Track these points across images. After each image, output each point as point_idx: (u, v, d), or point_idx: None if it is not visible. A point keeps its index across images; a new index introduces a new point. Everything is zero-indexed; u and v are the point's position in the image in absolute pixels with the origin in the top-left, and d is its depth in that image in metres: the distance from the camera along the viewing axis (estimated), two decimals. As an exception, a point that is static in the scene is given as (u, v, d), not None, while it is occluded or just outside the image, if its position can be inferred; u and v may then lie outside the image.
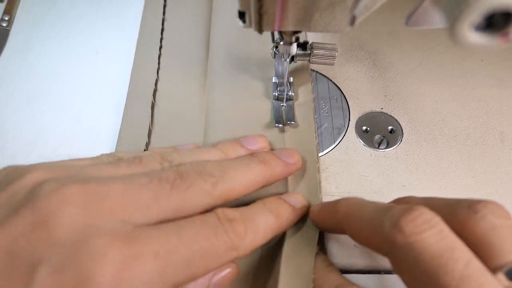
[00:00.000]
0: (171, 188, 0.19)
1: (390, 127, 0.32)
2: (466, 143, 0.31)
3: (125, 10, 0.40)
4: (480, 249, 0.17)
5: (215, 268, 0.19)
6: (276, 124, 0.30)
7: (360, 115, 0.33)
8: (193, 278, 0.18)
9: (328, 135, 0.32)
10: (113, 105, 0.33)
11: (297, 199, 0.25)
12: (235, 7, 0.21)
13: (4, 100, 0.34)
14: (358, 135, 0.32)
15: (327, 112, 0.33)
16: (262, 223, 0.22)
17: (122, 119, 0.31)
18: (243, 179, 0.22)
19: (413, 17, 0.20)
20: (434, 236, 0.16)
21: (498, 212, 0.17)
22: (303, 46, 0.29)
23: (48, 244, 0.16)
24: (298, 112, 0.32)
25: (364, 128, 0.32)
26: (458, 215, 0.18)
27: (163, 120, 0.32)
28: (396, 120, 0.32)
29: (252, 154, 0.25)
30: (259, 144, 0.27)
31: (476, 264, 0.16)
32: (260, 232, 0.21)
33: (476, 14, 0.14)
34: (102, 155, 0.23)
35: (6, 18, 0.38)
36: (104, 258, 0.16)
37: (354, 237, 0.21)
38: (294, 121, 0.31)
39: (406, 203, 0.21)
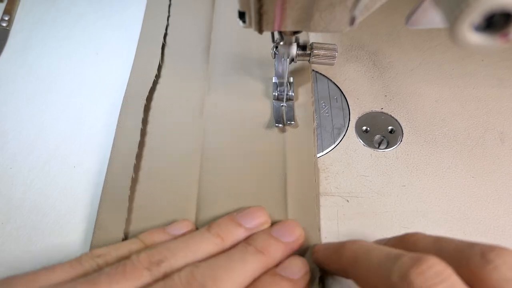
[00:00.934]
0: None
1: (390, 127, 0.32)
2: (466, 143, 0.31)
3: (125, 10, 0.40)
4: None
5: None
6: (276, 124, 0.30)
7: (360, 115, 0.33)
8: None
9: (328, 135, 0.32)
10: (113, 105, 0.33)
11: (296, 269, 0.23)
12: (236, 7, 0.21)
13: (4, 100, 0.34)
14: (358, 135, 0.32)
15: (327, 112, 0.33)
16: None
17: (118, 120, 0.31)
18: (239, 278, 0.21)
19: (413, 17, 0.20)
20: None
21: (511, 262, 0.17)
22: (303, 47, 0.29)
23: None
24: (298, 112, 0.32)
25: (364, 128, 0.32)
26: (470, 263, 0.17)
27: (161, 120, 0.32)
28: (396, 120, 0.32)
29: (249, 241, 0.23)
30: (258, 220, 0.25)
31: None
32: None
33: (476, 14, 0.14)
34: (82, 257, 0.21)
35: (6, 18, 0.38)
36: None
37: (359, 284, 0.19)
38: (294, 121, 0.31)
39: (414, 242, 0.20)
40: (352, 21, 0.20)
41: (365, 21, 0.22)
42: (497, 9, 0.14)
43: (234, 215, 0.25)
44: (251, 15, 0.21)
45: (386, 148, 0.31)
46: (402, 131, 0.32)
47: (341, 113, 0.33)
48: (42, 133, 0.32)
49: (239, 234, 0.24)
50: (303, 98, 0.33)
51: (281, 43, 0.27)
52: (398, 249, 0.19)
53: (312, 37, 0.37)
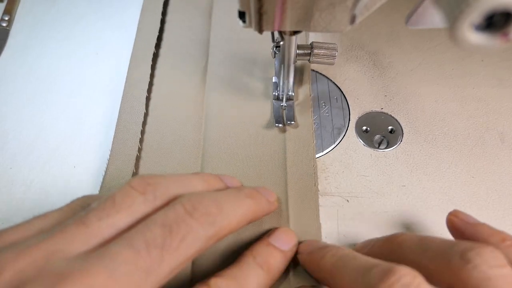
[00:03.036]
0: (162, 252, 0.17)
1: (390, 127, 0.32)
2: (466, 143, 0.31)
3: (125, 10, 0.40)
4: None
5: None
6: (276, 124, 0.30)
7: (360, 115, 0.33)
8: None
9: (328, 135, 0.32)
10: (113, 105, 0.33)
11: (286, 240, 0.24)
12: (235, 7, 0.21)
13: (4, 100, 0.34)
14: (358, 135, 0.32)
15: (327, 112, 0.33)
16: (255, 283, 0.21)
17: (117, 121, 0.31)
18: (237, 214, 0.21)
19: (413, 17, 0.20)
20: None
21: (492, 260, 0.17)
22: (303, 47, 0.29)
23: None
24: (298, 112, 0.32)
25: (364, 128, 0.32)
26: (450, 264, 0.17)
27: (160, 121, 0.32)
28: (396, 120, 0.32)
29: (237, 187, 0.24)
30: (236, 184, 0.25)
31: None
32: None
33: (476, 14, 0.14)
34: (73, 203, 0.21)
35: (6, 18, 0.38)
36: None
37: None
38: (294, 121, 0.31)
39: (400, 244, 0.21)
40: (352, 20, 0.20)
41: (365, 21, 0.22)
42: (497, 9, 0.14)
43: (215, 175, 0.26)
44: (251, 15, 0.21)
45: (386, 148, 0.31)
46: (402, 131, 0.32)
47: (341, 113, 0.33)
48: (42, 133, 0.32)
49: (222, 185, 0.24)
50: (303, 98, 0.33)
51: (281, 42, 0.27)
52: (373, 260, 0.19)
53: (312, 37, 0.37)
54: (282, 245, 0.24)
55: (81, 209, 0.20)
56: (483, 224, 0.22)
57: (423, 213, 0.28)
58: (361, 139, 0.31)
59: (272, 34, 0.28)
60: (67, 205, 0.20)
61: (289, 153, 0.30)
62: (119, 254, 0.16)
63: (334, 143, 0.31)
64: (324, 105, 0.33)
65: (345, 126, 0.32)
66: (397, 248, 0.21)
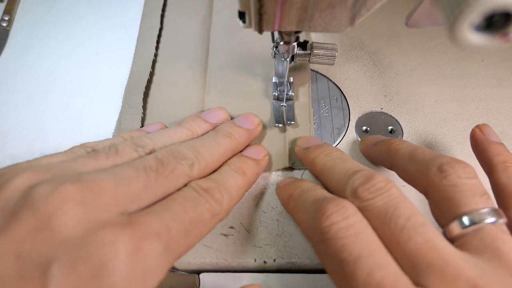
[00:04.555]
0: (156, 176, 0.21)
1: (390, 127, 0.32)
2: (466, 143, 0.31)
3: (125, 10, 0.40)
4: (441, 203, 0.20)
5: (205, 234, 0.22)
6: (276, 124, 0.30)
7: (360, 115, 0.33)
8: (191, 247, 0.21)
9: (328, 135, 0.32)
10: (113, 105, 0.33)
11: (257, 151, 0.28)
12: (236, 7, 0.21)
13: (4, 99, 0.34)
14: (358, 135, 0.32)
15: (327, 112, 0.33)
16: (233, 184, 0.24)
17: (118, 120, 0.31)
18: (214, 155, 0.24)
19: (413, 17, 0.20)
20: (382, 200, 0.20)
21: (462, 173, 0.20)
22: (303, 45, 0.29)
23: (56, 243, 0.17)
24: (298, 112, 0.32)
25: (364, 128, 0.32)
26: (429, 173, 0.21)
27: (160, 120, 0.32)
28: (396, 120, 0.32)
29: (216, 129, 0.27)
30: (220, 117, 0.29)
31: (417, 218, 0.19)
32: (233, 192, 0.23)
33: (476, 14, 0.14)
34: (73, 148, 0.24)
35: (6, 18, 0.38)
36: (114, 245, 0.17)
37: (326, 189, 0.23)
38: (294, 121, 0.31)
39: (396, 150, 0.24)
40: (352, 21, 0.20)
41: (365, 21, 0.22)
42: (497, 9, 0.14)
43: (199, 114, 0.29)
44: (251, 15, 0.21)
45: (386, 148, 0.31)
46: (402, 131, 0.32)
47: (341, 113, 0.33)
48: (42, 133, 0.32)
49: (206, 127, 0.28)
50: (303, 98, 0.33)
51: (281, 42, 0.27)
52: (358, 165, 0.23)
53: (312, 37, 0.37)
54: (254, 155, 0.27)
55: (86, 153, 0.23)
56: (498, 144, 0.24)
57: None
58: (361, 139, 0.31)
59: (272, 34, 0.28)
60: (69, 150, 0.24)
61: (289, 152, 0.30)
62: (123, 171, 0.20)
63: (334, 143, 0.31)
64: (324, 105, 0.33)
65: (345, 126, 0.32)
66: (392, 154, 0.24)
